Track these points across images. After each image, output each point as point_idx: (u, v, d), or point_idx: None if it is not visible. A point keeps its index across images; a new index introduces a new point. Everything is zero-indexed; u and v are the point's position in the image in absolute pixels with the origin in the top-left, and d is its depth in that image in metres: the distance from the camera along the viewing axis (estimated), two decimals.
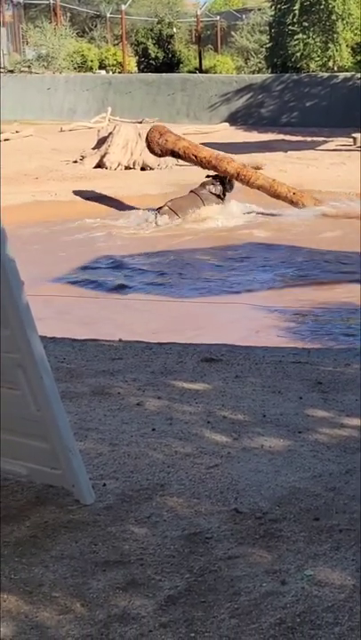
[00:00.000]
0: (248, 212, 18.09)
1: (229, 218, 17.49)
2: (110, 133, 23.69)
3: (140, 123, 29.83)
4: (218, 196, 17.95)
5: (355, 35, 32.37)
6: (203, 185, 18.16)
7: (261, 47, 38.69)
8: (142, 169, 22.89)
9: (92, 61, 39.68)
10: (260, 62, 39.60)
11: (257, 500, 4.59)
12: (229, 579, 3.91)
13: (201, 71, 39.03)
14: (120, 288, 12.32)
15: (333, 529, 4.29)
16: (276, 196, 18.23)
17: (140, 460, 5.07)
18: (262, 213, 17.99)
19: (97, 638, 3.53)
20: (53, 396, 4.36)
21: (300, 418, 5.70)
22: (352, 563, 4.00)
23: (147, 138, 18.67)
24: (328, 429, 5.51)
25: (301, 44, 32.35)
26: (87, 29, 45.15)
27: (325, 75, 32.95)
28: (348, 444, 5.28)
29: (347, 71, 32.89)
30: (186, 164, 23.67)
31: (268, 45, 36.10)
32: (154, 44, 40.89)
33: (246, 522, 4.38)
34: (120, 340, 7.71)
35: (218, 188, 18.04)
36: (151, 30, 41.34)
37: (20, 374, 4.40)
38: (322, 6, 31.03)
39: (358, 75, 31.64)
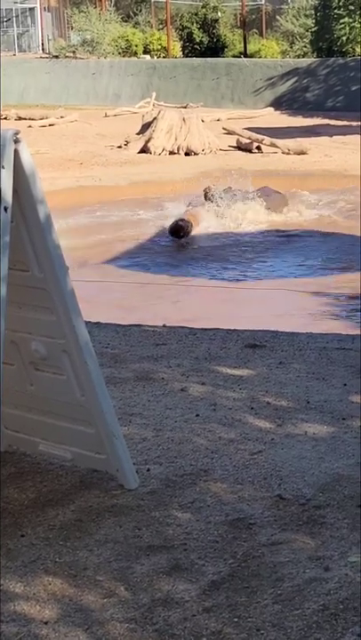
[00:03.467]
0: None
1: None
2: (155, 118, 23.69)
3: (185, 107, 29.79)
4: None
5: None
6: None
7: (307, 31, 38.43)
8: (186, 154, 22.86)
9: (136, 46, 39.63)
10: (305, 46, 39.33)
11: (300, 486, 4.60)
12: (273, 564, 3.92)
13: (246, 55, 38.83)
14: (165, 273, 12.37)
15: None
16: None
17: (184, 446, 5.08)
18: None
19: (140, 622, 3.55)
20: (98, 381, 4.39)
21: (345, 404, 5.68)
22: None
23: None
24: None
25: (347, 28, 32.11)
26: (132, 14, 45.11)
27: None
28: None
29: None
30: (230, 149, 23.70)
31: (313, 29, 35.87)
32: (198, 29, 40.74)
33: (290, 508, 4.39)
34: (164, 326, 7.72)
35: None
36: (196, 15, 41.18)
37: (65, 359, 4.44)
38: None
39: None
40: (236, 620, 3.56)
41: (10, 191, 4.07)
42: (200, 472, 4.77)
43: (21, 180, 4.11)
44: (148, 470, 4.79)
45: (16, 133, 4.07)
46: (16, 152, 4.05)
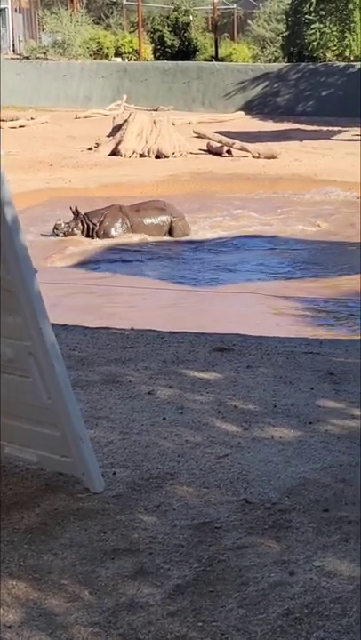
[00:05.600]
0: None
1: None
2: (125, 121, 23.72)
3: (156, 110, 29.85)
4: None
5: None
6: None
7: (278, 36, 38.54)
8: (157, 157, 22.91)
9: (107, 48, 39.61)
10: (276, 51, 39.43)
11: (267, 490, 4.60)
12: (238, 569, 3.91)
13: (217, 59, 38.91)
14: (133, 275, 12.38)
15: (343, 520, 4.29)
16: None
17: (151, 449, 5.07)
18: None
19: (105, 626, 3.54)
20: (64, 383, 4.37)
21: (311, 408, 5.70)
22: None
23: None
24: (339, 420, 5.50)
25: (318, 33, 32.24)
26: (103, 16, 45.09)
27: (342, 64, 32.85)
28: (359, 435, 5.27)
29: None
30: (200, 152, 23.73)
31: (284, 34, 35.99)
32: (170, 32, 40.78)
33: (256, 512, 4.39)
34: (132, 329, 7.72)
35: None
36: (167, 18, 41.22)
37: (31, 362, 4.41)
38: None
39: None
40: (200, 624, 3.55)
41: None
42: (166, 475, 4.76)
43: None
44: (115, 474, 4.77)
45: None
46: None
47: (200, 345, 7.12)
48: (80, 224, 14.75)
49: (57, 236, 14.67)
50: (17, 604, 3.69)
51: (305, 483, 4.67)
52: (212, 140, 24.24)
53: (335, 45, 32.73)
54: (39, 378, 4.42)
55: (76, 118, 30.48)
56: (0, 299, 4.34)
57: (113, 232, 14.70)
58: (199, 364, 6.60)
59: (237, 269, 13.00)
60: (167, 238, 14.92)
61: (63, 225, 14.72)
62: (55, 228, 14.77)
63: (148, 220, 14.89)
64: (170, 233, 15.01)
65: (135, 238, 14.73)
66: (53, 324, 4.46)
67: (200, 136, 24.91)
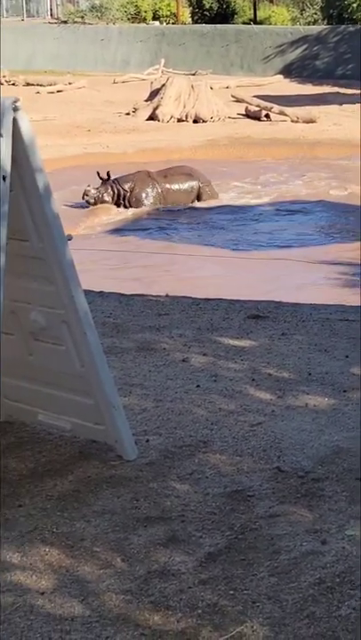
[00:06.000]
0: None
1: None
2: (163, 85, 23.59)
3: (194, 75, 29.64)
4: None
5: None
6: None
7: None
8: (195, 121, 22.77)
9: (145, 12, 39.35)
10: (315, 13, 39.02)
11: (300, 458, 4.58)
12: (270, 537, 3.91)
13: (255, 22, 38.50)
14: (168, 241, 12.35)
15: None
16: None
17: (184, 417, 5.07)
18: None
19: (136, 593, 3.55)
20: (97, 352, 4.37)
21: (346, 376, 5.66)
22: None
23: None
24: None
25: None
26: None
27: None
28: None
29: None
30: (239, 117, 23.57)
31: None
32: None
33: (288, 480, 4.38)
34: (167, 296, 7.70)
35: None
36: None
37: (64, 330, 4.42)
38: None
39: None
40: (231, 592, 3.56)
41: (9, 160, 4.03)
42: (199, 443, 4.76)
43: (20, 148, 4.07)
44: (148, 441, 4.78)
45: (15, 101, 4.02)
46: (15, 120, 4.01)
47: (235, 312, 7.09)
48: (110, 190, 14.50)
49: (87, 203, 14.36)
50: (50, 570, 3.72)
51: (338, 451, 4.65)
52: (251, 104, 24.06)
53: None
54: (72, 346, 4.42)
55: (114, 83, 30.36)
56: (32, 267, 4.34)
57: (145, 199, 14.51)
58: (233, 332, 6.57)
59: (274, 235, 12.92)
60: (201, 204, 14.80)
61: (93, 191, 14.40)
62: (85, 194, 14.40)
63: (176, 186, 14.71)
64: (198, 198, 14.89)
65: (166, 204, 14.59)
66: (88, 291, 4.47)
67: (238, 100, 24.72)
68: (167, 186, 14.63)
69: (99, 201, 14.36)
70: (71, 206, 14.02)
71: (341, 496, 4.23)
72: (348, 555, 3.77)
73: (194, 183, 14.79)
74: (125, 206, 14.39)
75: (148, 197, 14.49)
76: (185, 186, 14.73)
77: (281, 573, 3.66)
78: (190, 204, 14.70)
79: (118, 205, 14.42)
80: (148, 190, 14.51)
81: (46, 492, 4.32)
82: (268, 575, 3.65)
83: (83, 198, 14.31)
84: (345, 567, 3.68)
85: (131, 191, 14.37)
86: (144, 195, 14.46)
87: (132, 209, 14.33)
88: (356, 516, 4.05)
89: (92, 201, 14.32)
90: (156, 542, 3.90)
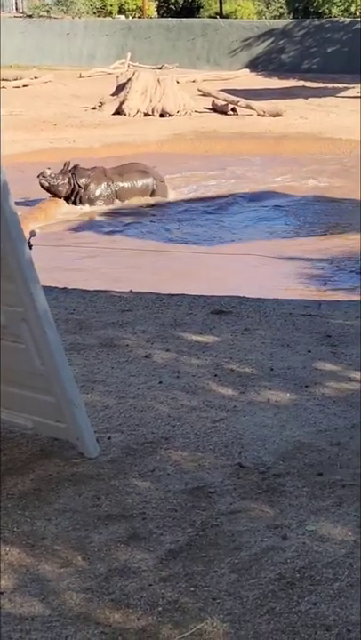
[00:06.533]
0: None
1: None
2: (129, 80, 23.55)
3: (160, 69, 29.64)
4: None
5: None
6: None
7: None
8: (161, 115, 22.76)
9: (111, 6, 39.32)
10: (281, 7, 39.13)
11: (261, 454, 4.60)
12: (231, 533, 3.92)
13: (222, 16, 38.54)
14: (129, 237, 12.32)
15: (336, 484, 4.29)
16: None
17: (146, 413, 5.07)
18: None
19: (97, 592, 3.55)
20: (57, 349, 4.36)
21: (308, 371, 5.68)
22: (354, 518, 4.01)
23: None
24: (335, 383, 5.49)
25: None
26: None
27: (347, 20, 32.57)
28: (355, 398, 5.27)
29: None
30: (205, 111, 23.57)
31: None
32: None
33: (250, 476, 4.39)
34: (131, 292, 7.69)
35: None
36: None
37: (24, 328, 4.40)
38: None
39: None
40: (192, 589, 3.56)
41: None
42: (161, 440, 4.76)
43: None
44: (110, 438, 4.77)
45: None
46: None
47: (198, 307, 7.10)
48: (67, 182, 14.00)
49: (41, 185, 13.82)
50: (10, 570, 3.71)
51: (300, 446, 4.67)
52: (217, 98, 24.07)
53: (341, 1, 32.39)
54: (32, 344, 4.41)
55: (80, 77, 30.29)
56: None
57: (98, 197, 14.24)
58: (197, 327, 6.58)
59: (238, 230, 12.92)
60: (162, 199, 14.69)
61: (49, 175, 13.85)
62: (41, 174, 13.83)
63: (132, 184, 14.52)
64: (152, 195, 14.78)
65: (122, 202, 14.49)
66: (52, 288, 4.45)
67: (205, 94, 24.74)
68: (122, 184, 14.47)
69: (52, 188, 13.96)
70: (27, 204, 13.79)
71: (302, 491, 4.25)
72: (309, 550, 3.78)
73: (148, 180, 14.68)
74: (75, 203, 14.13)
75: (102, 196, 14.26)
76: (139, 183, 14.58)
77: (241, 570, 3.67)
78: (150, 201, 14.61)
79: (68, 201, 14.11)
80: (102, 188, 14.29)
81: (7, 490, 4.31)
82: (229, 572, 3.66)
83: (37, 177, 13.88)
84: (305, 562, 3.70)
85: (85, 188, 14.14)
86: (98, 192, 14.22)
87: (86, 206, 14.10)
88: (316, 511, 4.07)
89: (45, 184, 13.78)
90: (117, 540, 3.89)
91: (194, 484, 4.33)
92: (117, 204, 14.34)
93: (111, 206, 14.24)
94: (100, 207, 14.10)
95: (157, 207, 14.34)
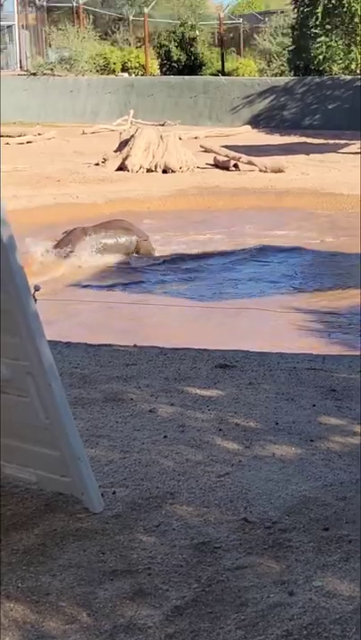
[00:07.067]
0: None
1: None
2: (132, 136, 23.73)
3: (163, 125, 29.89)
4: None
5: None
6: None
7: (284, 50, 38.61)
8: (164, 171, 22.90)
9: (114, 64, 39.72)
10: (282, 65, 39.52)
11: (267, 509, 4.57)
12: (237, 589, 3.88)
13: (223, 74, 38.96)
14: (136, 291, 12.34)
15: (343, 539, 4.26)
16: None
17: (151, 468, 5.05)
18: None
19: None
20: (62, 403, 4.35)
21: (313, 426, 5.67)
22: None
23: None
24: (340, 438, 5.47)
25: (324, 47, 32.17)
26: (110, 32, 45.16)
27: (348, 77, 32.87)
28: (360, 452, 5.24)
29: None
30: (207, 167, 23.74)
31: (290, 48, 36.05)
32: (176, 47, 40.89)
33: (255, 531, 4.36)
34: (135, 346, 7.70)
35: None
36: (174, 33, 41.33)
37: (29, 382, 4.39)
38: (345, 9, 30.82)
39: None
40: None
41: None
42: (166, 495, 4.74)
43: None
44: (114, 493, 4.75)
45: None
46: None
47: (202, 361, 7.10)
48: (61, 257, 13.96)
49: None
50: (14, 626, 3.67)
51: (305, 501, 4.64)
52: (219, 154, 24.24)
53: (341, 59, 32.67)
54: (37, 398, 4.40)
55: (83, 134, 30.54)
56: None
57: (83, 257, 14.08)
58: (201, 381, 6.57)
59: (241, 284, 12.97)
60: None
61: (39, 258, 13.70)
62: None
63: (115, 241, 14.48)
64: (136, 252, 14.75)
65: (107, 259, 14.35)
66: (56, 342, 4.45)
67: (207, 150, 24.92)
68: (104, 241, 14.46)
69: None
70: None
71: (309, 546, 4.21)
72: (316, 606, 3.74)
73: (132, 237, 14.66)
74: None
75: (86, 254, 14.07)
76: (124, 240, 14.56)
77: (248, 626, 3.63)
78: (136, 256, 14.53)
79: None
80: (86, 248, 14.19)
81: (11, 545, 4.28)
82: (235, 628, 3.62)
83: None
84: (312, 619, 3.66)
85: (69, 251, 13.97)
86: (82, 252, 14.05)
87: (80, 261, 14.01)
88: (322, 566, 4.04)
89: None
90: (123, 596, 3.86)
91: (199, 539, 4.30)
92: (102, 260, 14.24)
93: (99, 262, 14.15)
94: (90, 263, 13.99)
95: (160, 262, 14.39)
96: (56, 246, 14.16)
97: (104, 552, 4.20)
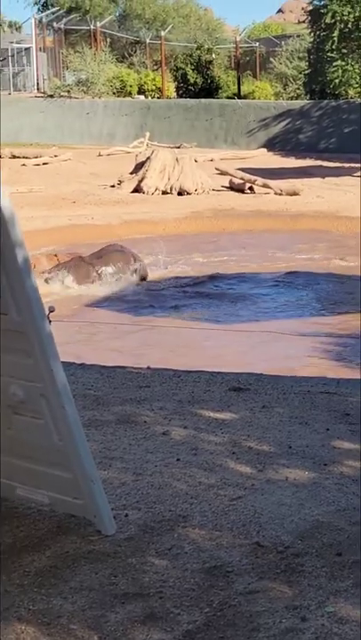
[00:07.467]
0: None
1: None
2: (148, 158, 23.84)
3: (179, 147, 30.00)
4: None
5: None
6: None
7: (300, 73, 38.77)
8: (179, 194, 22.98)
9: (131, 86, 39.92)
10: (298, 88, 39.66)
11: (279, 533, 4.55)
12: (249, 614, 3.86)
13: (239, 97, 39.11)
14: (151, 313, 12.35)
15: (356, 564, 4.23)
16: None
17: (164, 491, 5.04)
18: None
19: None
20: (75, 425, 4.35)
21: (327, 450, 5.65)
22: None
23: None
24: (354, 462, 5.45)
25: (340, 71, 32.27)
26: (127, 55, 45.42)
27: None
28: None
29: None
30: (223, 189, 23.80)
31: (306, 72, 36.19)
32: (193, 70, 41.09)
33: (268, 556, 4.33)
34: (148, 368, 7.70)
35: None
36: (190, 56, 41.55)
37: (42, 403, 4.40)
38: None
39: None
40: None
41: None
42: (179, 518, 4.72)
43: (0, 223, 4.09)
44: (127, 515, 4.74)
45: None
46: None
47: (216, 384, 7.09)
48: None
49: None
50: None
51: (318, 526, 4.62)
52: (235, 176, 24.31)
53: (357, 82, 32.77)
54: (50, 419, 4.41)
55: (99, 155, 30.68)
56: (11, 340, 4.35)
57: (81, 284, 14.11)
58: (214, 404, 6.57)
59: (255, 307, 12.97)
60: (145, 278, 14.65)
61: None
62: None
63: (112, 267, 14.46)
64: (134, 276, 14.63)
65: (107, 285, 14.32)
66: (70, 363, 4.46)
67: (222, 173, 24.99)
68: (103, 267, 14.40)
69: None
70: None
71: (321, 572, 4.19)
72: (328, 632, 3.72)
73: (130, 261, 14.64)
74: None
75: (85, 282, 14.09)
76: (121, 265, 14.53)
77: None
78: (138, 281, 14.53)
79: None
80: (83, 276, 14.12)
81: (24, 567, 4.27)
82: None
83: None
84: None
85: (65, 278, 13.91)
86: (81, 280, 14.06)
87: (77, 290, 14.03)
88: (335, 592, 4.01)
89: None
90: (134, 619, 3.84)
91: (211, 562, 4.28)
92: (102, 286, 14.22)
93: (103, 288, 14.13)
94: (88, 291, 13.97)
95: (173, 285, 14.41)
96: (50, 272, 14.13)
97: (116, 575, 4.18)
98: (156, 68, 44.21)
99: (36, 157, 29.23)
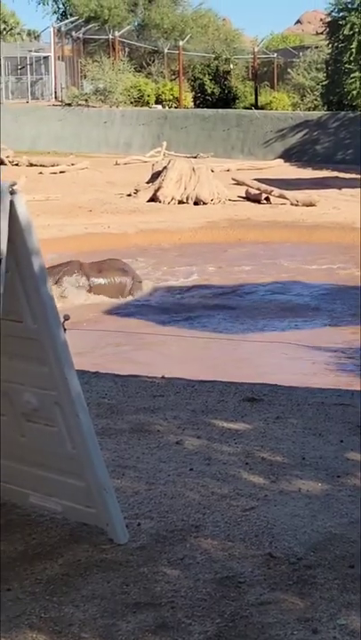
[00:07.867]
0: None
1: None
2: (165, 168, 23.86)
3: (195, 157, 30.02)
4: None
5: None
6: None
7: (318, 85, 38.79)
8: (195, 203, 22.98)
9: (148, 96, 40.00)
10: (316, 99, 39.67)
11: (292, 544, 4.54)
12: (260, 625, 3.85)
13: (257, 107, 39.16)
14: (165, 323, 12.36)
15: None
16: None
17: (176, 500, 5.03)
18: None
19: None
20: (89, 434, 4.36)
21: (340, 462, 5.63)
22: None
23: None
24: None
25: (358, 82, 32.36)
26: (145, 64, 45.51)
27: None
28: None
29: None
30: (239, 199, 23.81)
31: (324, 83, 36.23)
32: (210, 80, 41.18)
33: (280, 567, 4.32)
34: (163, 377, 7.70)
35: None
36: (208, 66, 41.65)
37: (56, 411, 4.41)
38: None
39: None
40: None
41: (5, 242, 4.07)
42: (191, 528, 4.71)
43: (17, 230, 4.11)
44: (139, 525, 4.73)
45: (12, 185, 4.07)
46: (12, 203, 4.05)
47: (230, 395, 7.09)
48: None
49: None
50: None
51: (331, 538, 4.61)
52: (251, 187, 24.32)
53: None
54: (64, 427, 4.41)
55: (116, 164, 30.75)
56: (26, 348, 4.35)
57: (70, 294, 13.84)
58: (228, 414, 6.56)
59: (270, 317, 12.96)
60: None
61: None
62: None
63: (110, 281, 14.28)
64: (129, 294, 14.48)
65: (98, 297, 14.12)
66: (84, 372, 4.46)
67: (239, 183, 25.00)
68: (100, 280, 14.21)
69: None
70: None
71: (333, 584, 4.17)
72: None
73: (127, 279, 14.52)
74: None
75: (75, 291, 13.94)
76: (118, 281, 14.38)
77: None
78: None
79: None
80: (74, 285, 13.98)
81: (36, 575, 4.27)
82: None
83: None
84: None
85: (55, 283, 13.55)
86: (70, 289, 13.89)
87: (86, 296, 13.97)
88: (347, 604, 4.00)
89: None
90: (145, 629, 3.83)
91: (224, 573, 4.27)
92: (93, 298, 14.04)
93: (89, 301, 13.93)
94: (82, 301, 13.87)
95: (189, 293, 14.40)
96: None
97: (127, 584, 4.18)
98: (173, 77, 44.27)
99: (53, 166, 29.33)
